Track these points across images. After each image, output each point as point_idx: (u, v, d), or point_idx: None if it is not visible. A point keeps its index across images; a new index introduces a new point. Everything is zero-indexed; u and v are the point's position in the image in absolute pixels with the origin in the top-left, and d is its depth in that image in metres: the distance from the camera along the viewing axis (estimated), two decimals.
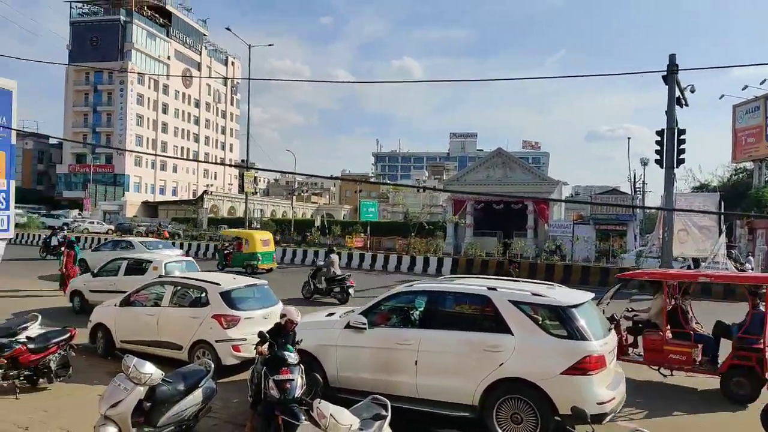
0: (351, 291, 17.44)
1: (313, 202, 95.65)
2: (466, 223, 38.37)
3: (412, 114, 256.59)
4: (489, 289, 7.25)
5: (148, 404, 5.82)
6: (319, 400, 4.70)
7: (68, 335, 8.51)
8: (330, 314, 8.74)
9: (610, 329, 7.51)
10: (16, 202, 12.76)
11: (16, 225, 20.73)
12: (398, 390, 7.09)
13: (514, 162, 39.92)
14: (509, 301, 6.97)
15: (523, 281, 8.58)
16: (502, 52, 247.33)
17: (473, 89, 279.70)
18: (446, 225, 39.16)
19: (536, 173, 41.12)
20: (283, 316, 6.73)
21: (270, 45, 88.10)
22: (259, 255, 24.17)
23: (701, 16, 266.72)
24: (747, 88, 46.06)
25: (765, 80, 41.82)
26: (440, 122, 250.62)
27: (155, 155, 78.43)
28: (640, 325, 10.04)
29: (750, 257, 27.88)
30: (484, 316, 7.19)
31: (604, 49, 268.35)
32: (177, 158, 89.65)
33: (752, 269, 25.30)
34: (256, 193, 69.74)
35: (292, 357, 6.31)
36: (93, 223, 53.77)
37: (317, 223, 44.81)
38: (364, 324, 7.54)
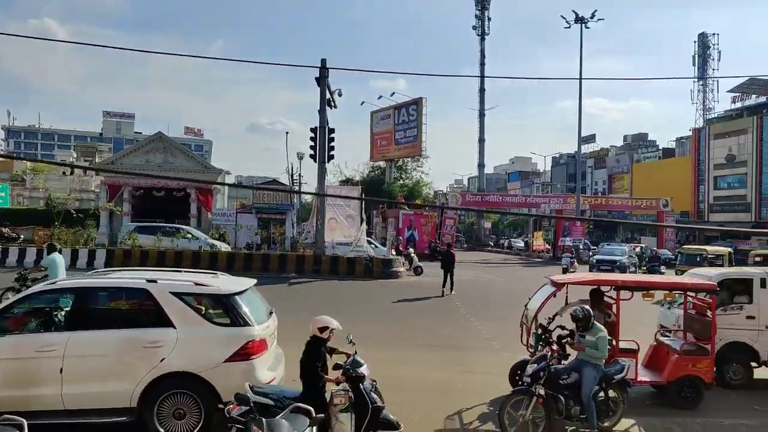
0: None
1: None
2: (122, 210, 35.45)
3: (56, 85, 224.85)
4: (148, 281, 6.80)
5: None
6: None
7: None
8: None
9: (271, 312, 7.54)
10: None
11: None
12: (38, 404, 6.18)
13: (176, 148, 38.73)
14: (171, 293, 6.65)
15: (186, 271, 8.27)
16: (159, 30, 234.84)
17: (131, 66, 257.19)
18: (99, 213, 35.26)
19: (199, 160, 40.61)
20: None
21: None
22: None
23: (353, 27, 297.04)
24: (381, 98, 57.10)
25: (394, 93, 50.61)
26: (91, 98, 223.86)
27: None
28: None
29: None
30: (143, 311, 6.74)
31: (264, 42, 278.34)
32: None
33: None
34: None
35: None
36: None
37: None
38: None
